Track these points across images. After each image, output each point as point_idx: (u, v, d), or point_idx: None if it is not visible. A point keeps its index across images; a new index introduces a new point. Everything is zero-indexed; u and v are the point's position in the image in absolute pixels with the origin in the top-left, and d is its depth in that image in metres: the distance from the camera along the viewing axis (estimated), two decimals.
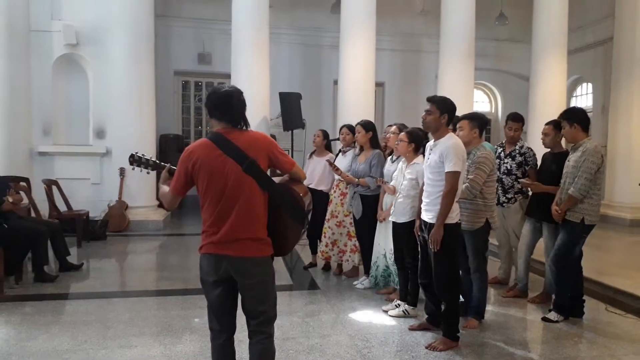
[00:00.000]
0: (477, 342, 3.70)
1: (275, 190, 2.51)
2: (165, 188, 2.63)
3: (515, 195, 4.89)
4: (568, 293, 4.17)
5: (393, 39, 11.71)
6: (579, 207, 4.06)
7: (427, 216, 3.60)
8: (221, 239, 2.40)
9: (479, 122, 4.07)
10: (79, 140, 8.42)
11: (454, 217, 3.53)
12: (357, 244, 5.29)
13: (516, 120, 4.89)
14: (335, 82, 12.23)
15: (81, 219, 6.87)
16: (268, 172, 2.51)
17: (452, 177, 3.44)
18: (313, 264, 5.81)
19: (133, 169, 2.88)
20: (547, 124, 4.63)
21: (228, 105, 2.46)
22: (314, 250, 5.78)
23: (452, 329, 3.59)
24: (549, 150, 4.66)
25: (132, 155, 2.87)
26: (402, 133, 4.25)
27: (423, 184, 3.77)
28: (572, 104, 11.67)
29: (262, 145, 2.49)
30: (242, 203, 2.39)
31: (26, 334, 3.75)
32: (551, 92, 9.14)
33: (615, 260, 5.58)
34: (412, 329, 3.93)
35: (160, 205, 8.49)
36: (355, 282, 5.12)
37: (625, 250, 7.18)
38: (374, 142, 4.96)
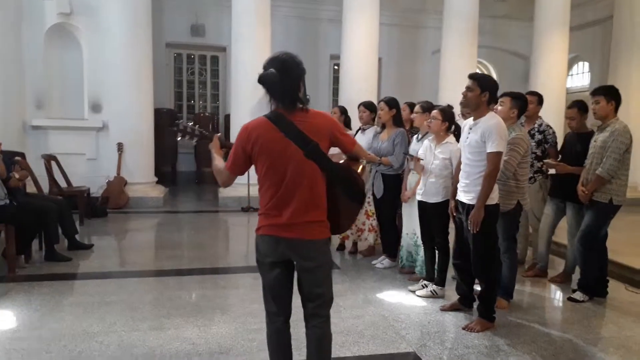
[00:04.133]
0: (512, 323, 3.70)
1: (336, 172, 2.41)
2: (219, 163, 2.52)
3: (535, 175, 4.87)
4: (594, 273, 4.20)
5: (391, 13, 11.48)
6: (606, 188, 4.06)
7: (466, 197, 3.55)
8: (284, 222, 2.31)
9: (521, 102, 3.99)
10: (74, 114, 8.13)
11: (494, 197, 3.49)
12: (373, 223, 5.24)
13: (533, 95, 4.85)
14: (332, 57, 12.12)
15: (83, 195, 6.66)
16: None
17: (495, 158, 3.38)
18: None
19: (179, 139, 2.74)
20: (569, 107, 4.60)
21: (272, 88, 2.28)
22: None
23: (489, 310, 3.58)
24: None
25: (176, 124, 2.73)
26: (435, 111, 4.16)
27: (459, 164, 3.72)
28: (568, 83, 11.72)
29: (324, 127, 2.38)
30: (304, 188, 2.30)
31: (50, 316, 3.62)
32: (552, 70, 9.15)
33: (625, 239, 5.64)
34: (443, 309, 3.92)
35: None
36: (374, 262, 5.08)
37: (633, 230, 7.25)
38: (397, 120, 4.86)
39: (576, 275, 4.62)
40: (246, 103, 8.21)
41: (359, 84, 8.55)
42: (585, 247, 4.16)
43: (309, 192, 2.31)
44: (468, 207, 3.53)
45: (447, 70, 9.02)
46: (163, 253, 5.50)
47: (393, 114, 4.82)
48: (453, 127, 4.20)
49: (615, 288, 4.49)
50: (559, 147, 4.88)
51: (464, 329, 3.55)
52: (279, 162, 2.28)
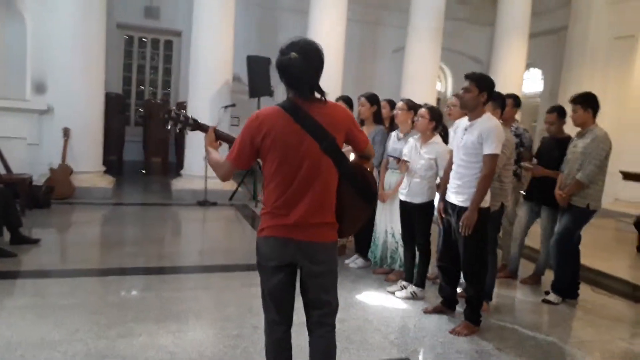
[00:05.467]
0: (495, 326, 3.66)
1: (350, 171, 2.22)
2: (215, 156, 2.28)
3: None
4: (568, 276, 4.25)
5: (352, 8, 11.35)
6: (584, 193, 4.11)
7: (458, 199, 3.45)
8: (293, 223, 2.09)
9: (501, 102, 3.96)
10: (14, 94, 7.40)
11: (486, 200, 3.42)
12: None
13: (509, 98, 4.84)
14: None
15: (25, 183, 6.06)
16: None
17: (492, 160, 3.31)
18: None
19: (169, 128, 2.45)
20: (549, 111, 4.63)
21: (292, 74, 2.07)
22: None
23: (476, 314, 3.52)
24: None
25: (168, 112, 2.44)
26: (423, 109, 4.04)
27: (450, 164, 3.62)
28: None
29: (343, 121, 2.19)
30: (318, 185, 2.10)
31: None
32: (510, 75, 9.36)
33: (587, 242, 5.81)
34: (427, 312, 3.82)
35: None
36: (347, 261, 4.92)
37: (587, 233, 7.53)
38: (377, 117, 4.72)
39: (546, 277, 4.70)
40: (205, 91, 7.82)
41: (324, 80, 8.33)
42: (560, 250, 4.21)
43: (323, 190, 2.12)
44: (459, 209, 3.44)
45: (410, 69, 9.01)
46: (119, 250, 5.08)
47: (374, 110, 4.68)
48: (440, 127, 4.11)
49: (583, 290, 4.56)
50: (534, 150, 4.91)
51: (451, 332, 3.46)
52: (294, 157, 2.06)
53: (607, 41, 9.44)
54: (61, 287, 3.88)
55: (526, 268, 4.96)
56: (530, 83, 12.46)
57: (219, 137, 2.40)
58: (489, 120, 3.36)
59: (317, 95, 2.14)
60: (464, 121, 3.53)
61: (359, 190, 2.27)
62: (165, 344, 3.02)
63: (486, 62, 12.51)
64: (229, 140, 2.42)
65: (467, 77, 3.46)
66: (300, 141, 2.06)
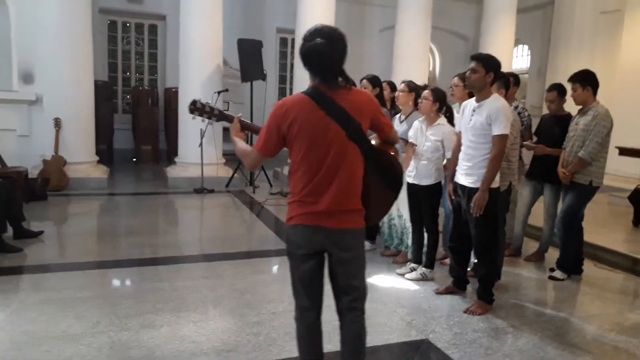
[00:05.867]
0: (507, 304, 3.74)
1: (377, 157, 2.25)
2: (242, 145, 2.30)
3: None
4: (572, 252, 4.36)
5: None
6: (587, 170, 4.19)
7: (468, 180, 3.50)
8: (321, 210, 2.12)
9: (505, 82, 4.00)
10: (1, 86, 7.24)
11: (496, 181, 3.47)
12: None
13: (510, 76, 4.88)
14: (279, 31, 11.74)
15: (21, 176, 5.97)
16: None
17: (501, 141, 3.35)
18: None
19: (194, 118, 2.46)
20: (549, 90, 4.68)
21: (319, 60, 2.08)
22: None
23: (488, 292, 3.60)
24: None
25: (194, 102, 2.45)
26: (427, 91, 4.07)
27: (458, 146, 3.65)
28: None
29: (368, 107, 2.21)
30: (345, 172, 2.12)
31: (18, 316, 3.18)
32: (500, 53, 9.26)
33: (587, 218, 5.95)
34: (438, 292, 3.89)
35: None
36: None
37: (594, 209, 7.65)
38: (379, 100, 4.71)
39: (550, 254, 4.81)
40: (196, 77, 7.72)
41: None
42: (565, 227, 4.30)
43: (350, 177, 2.14)
44: (469, 190, 3.49)
45: (401, 49, 8.99)
46: (124, 240, 5.05)
47: (376, 92, 4.68)
48: (444, 108, 4.13)
49: (585, 265, 4.67)
50: (533, 129, 4.98)
51: (465, 312, 3.54)
52: (320, 144, 2.08)
53: (593, 16, 9.53)
54: (74, 280, 3.87)
55: (528, 245, 5.07)
56: (517, 60, 12.54)
57: (244, 127, 2.41)
58: (497, 101, 3.39)
59: (341, 82, 2.15)
60: (471, 102, 3.56)
61: (385, 177, 2.30)
62: (188, 334, 3.04)
63: (472, 39, 12.57)
64: (254, 129, 2.43)
65: (474, 57, 3.48)
66: (326, 128, 2.07)
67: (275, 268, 4.58)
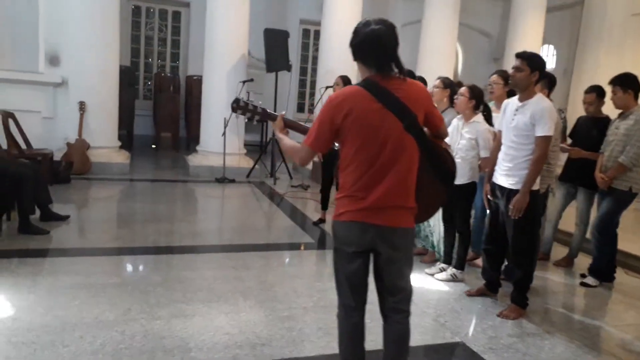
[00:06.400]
0: (539, 309, 3.67)
1: (433, 152, 2.19)
2: (289, 142, 2.25)
3: None
4: (606, 259, 4.26)
5: None
6: (627, 176, 4.08)
7: (509, 181, 3.41)
8: (371, 206, 2.05)
9: (549, 82, 3.91)
10: (28, 67, 7.24)
11: (537, 182, 3.39)
12: None
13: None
14: (302, 22, 11.65)
15: (47, 159, 5.97)
16: None
17: (544, 142, 3.26)
18: (322, 220, 5.51)
19: (237, 116, 2.41)
20: (587, 92, 4.55)
21: (377, 46, 2.02)
22: (324, 206, 5.48)
23: (523, 297, 3.52)
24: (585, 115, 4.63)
25: (236, 101, 2.42)
26: (463, 88, 3.98)
27: (498, 145, 3.57)
28: None
29: (423, 99, 2.14)
30: (400, 166, 2.05)
31: (49, 300, 3.16)
32: None
33: None
34: (470, 294, 3.82)
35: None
36: None
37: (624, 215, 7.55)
38: None
39: (579, 260, 4.71)
40: (221, 66, 7.67)
41: (341, 53, 8.19)
42: (601, 233, 4.20)
43: (405, 171, 2.07)
44: (509, 192, 3.41)
45: (428, 44, 8.87)
46: (149, 227, 5.03)
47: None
48: (482, 106, 4.05)
49: (617, 273, 4.58)
50: (567, 131, 4.87)
51: (498, 315, 3.48)
52: (376, 136, 2.02)
53: (624, 17, 9.34)
54: (102, 265, 3.87)
55: (556, 250, 4.97)
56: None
57: (288, 124, 2.37)
58: (541, 101, 3.31)
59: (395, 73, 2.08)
60: (513, 101, 3.47)
61: (439, 171, 2.25)
62: (220, 325, 3.01)
63: (496, 37, 12.39)
64: (297, 128, 2.39)
65: (519, 55, 3.39)
66: (382, 120, 2.01)
67: (301, 262, 4.54)
